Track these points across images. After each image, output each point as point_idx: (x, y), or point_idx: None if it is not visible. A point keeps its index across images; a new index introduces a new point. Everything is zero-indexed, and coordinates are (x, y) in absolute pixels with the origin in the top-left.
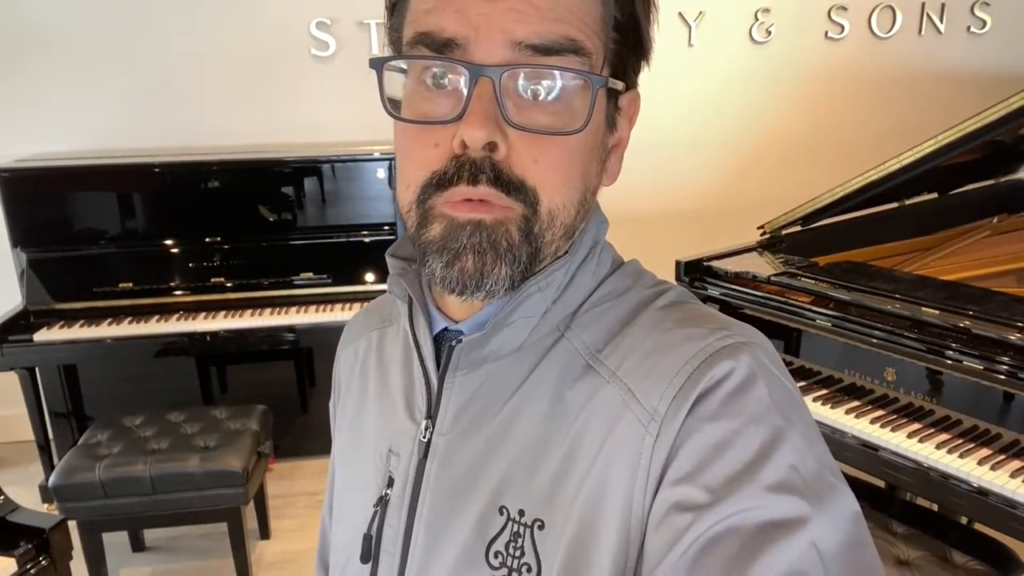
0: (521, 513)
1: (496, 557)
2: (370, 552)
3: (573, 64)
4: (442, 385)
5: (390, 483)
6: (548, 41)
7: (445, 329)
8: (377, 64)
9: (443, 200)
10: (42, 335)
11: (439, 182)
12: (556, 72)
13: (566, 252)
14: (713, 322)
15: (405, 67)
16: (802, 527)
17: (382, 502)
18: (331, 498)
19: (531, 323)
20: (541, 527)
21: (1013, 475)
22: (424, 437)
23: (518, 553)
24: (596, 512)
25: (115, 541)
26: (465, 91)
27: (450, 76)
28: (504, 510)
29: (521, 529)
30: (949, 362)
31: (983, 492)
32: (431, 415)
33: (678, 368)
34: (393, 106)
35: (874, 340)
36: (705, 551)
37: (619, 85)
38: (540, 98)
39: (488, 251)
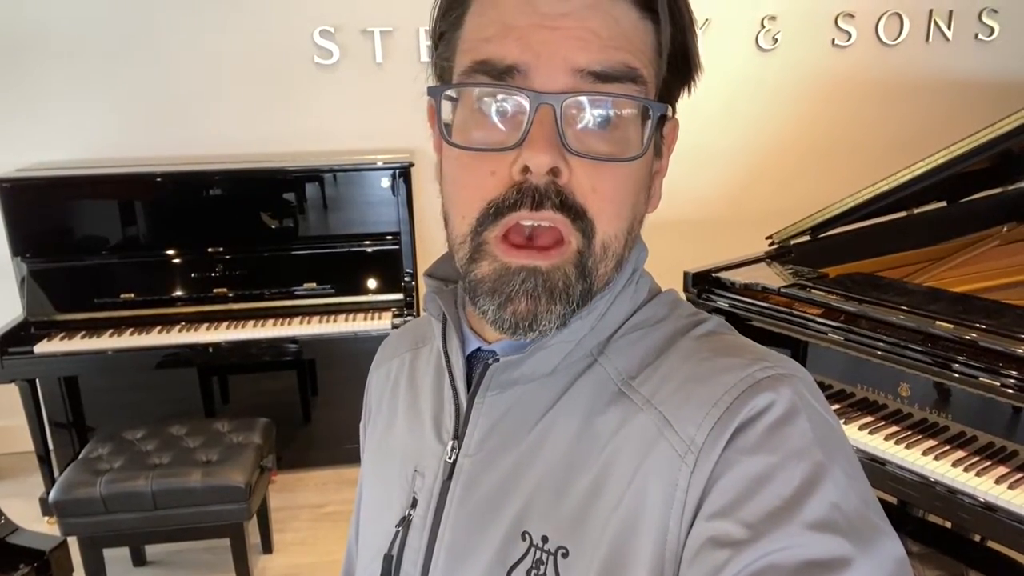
0: (544, 540)
1: None
2: (390, 573)
3: (631, 91)
4: (471, 405)
5: (414, 504)
6: (609, 68)
7: (478, 349)
8: (436, 92)
9: (499, 231)
10: (43, 347)
11: (497, 211)
12: (618, 99)
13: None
14: (752, 353)
15: (455, 95)
16: (845, 568)
17: (404, 523)
18: (358, 517)
19: (567, 347)
20: (565, 555)
21: None
22: (450, 458)
23: None
24: (627, 543)
25: (116, 556)
26: (526, 118)
27: (509, 103)
28: (527, 535)
29: (544, 556)
30: (964, 377)
31: (990, 508)
32: (458, 436)
33: (717, 398)
34: (445, 132)
35: (888, 354)
36: None
37: (668, 112)
38: (599, 126)
39: (543, 295)
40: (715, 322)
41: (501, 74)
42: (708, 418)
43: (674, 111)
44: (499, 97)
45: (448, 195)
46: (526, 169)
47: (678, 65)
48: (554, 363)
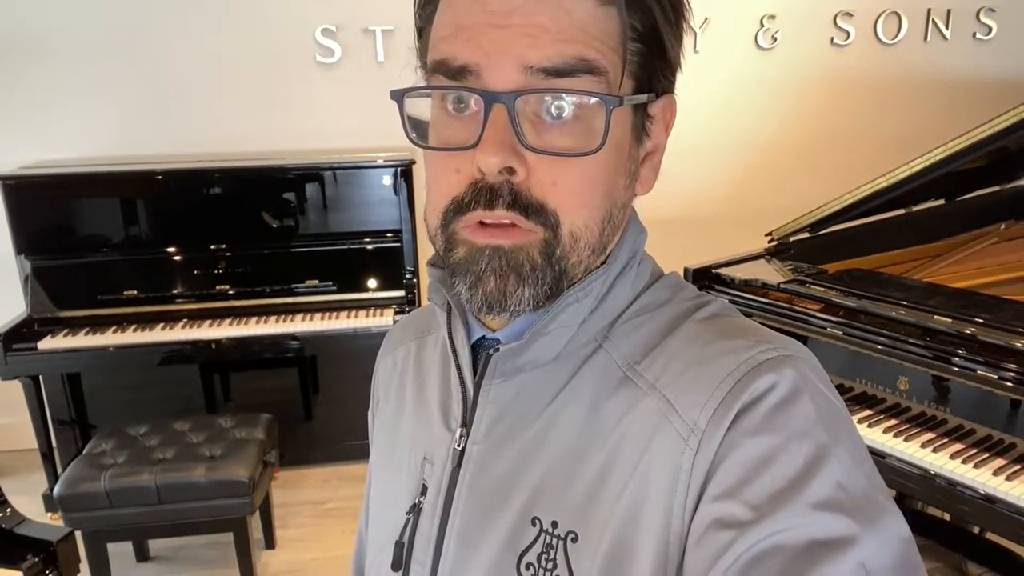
0: (554, 525)
1: (528, 569)
2: (401, 560)
3: (588, 84)
4: (478, 393)
5: (424, 491)
6: (560, 63)
7: (483, 338)
8: (398, 96)
9: (462, 224)
10: (46, 343)
11: (457, 207)
12: (570, 94)
13: (603, 263)
14: (755, 335)
15: (430, 93)
16: (850, 547)
17: (415, 510)
18: (368, 505)
19: (568, 332)
20: (575, 540)
21: None
22: (459, 445)
23: (550, 565)
24: (633, 527)
25: (119, 551)
26: (481, 117)
27: (468, 102)
28: (537, 521)
29: (554, 541)
30: (962, 371)
31: (990, 500)
32: (466, 423)
33: (720, 380)
34: (420, 128)
35: (886, 349)
36: (748, 570)
37: (641, 99)
38: (557, 120)
39: (510, 274)
40: (718, 304)
41: (456, 74)
42: (711, 401)
43: (665, 90)
44: (457, 97)
45: (426, 191)
46: (481, 169)
47: (653, 46)
48: (557, 349)
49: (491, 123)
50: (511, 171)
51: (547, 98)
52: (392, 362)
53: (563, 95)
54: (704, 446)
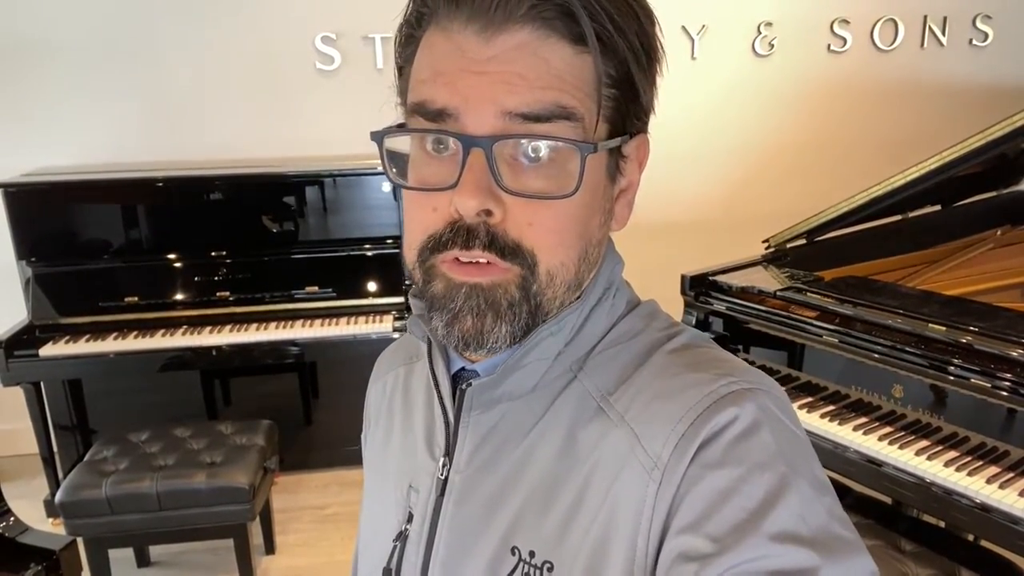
0: (532, 554)
1: None
2: None
3: (564, 129)
4: (459, 424)
5: (410, 518)
6: (538, 109)
7: (463, 368)
8: (378, 137)
9: (440, 259)
10: (48, 350)
11: (434, 245)
12: (547, 141)
13: (578, 298)
14: (720, 367)
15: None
16: None
17: (401, 537)
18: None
19: (544, 366)
20: (551, 569)
21: (1022, 493)
22: (442, 474)
23: None
24: (602, 558)
25: (120, 556)
26: (460, 160)
27: (447, 143)
28: (516, 550)
29: (532, 571)
30: (956, 379)
31: (986, 508)
32: (449, 453)
33: (681, 414)
34: (400, 164)
35: (881, 356)
36: None
37: (615, 143)
38: (533, 162)
39: (487, 312)
40: (689, 335)
41: (435, 116)
42: (673, 435)
43: (638, 130)
44: (438, 138)
45: (404, 227)
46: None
47: (627, 91)
48: (533, 381)
49: (469, 166)
50: (488, 213)
51: (521, 144)
52: (382, 387)
53: (540, 141)
54: (667, 480)
